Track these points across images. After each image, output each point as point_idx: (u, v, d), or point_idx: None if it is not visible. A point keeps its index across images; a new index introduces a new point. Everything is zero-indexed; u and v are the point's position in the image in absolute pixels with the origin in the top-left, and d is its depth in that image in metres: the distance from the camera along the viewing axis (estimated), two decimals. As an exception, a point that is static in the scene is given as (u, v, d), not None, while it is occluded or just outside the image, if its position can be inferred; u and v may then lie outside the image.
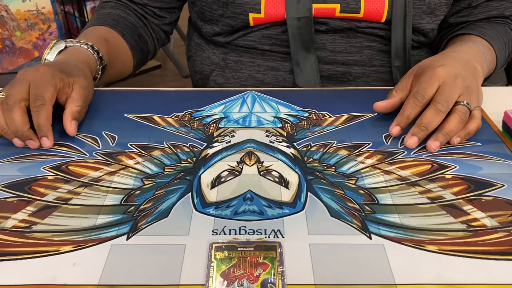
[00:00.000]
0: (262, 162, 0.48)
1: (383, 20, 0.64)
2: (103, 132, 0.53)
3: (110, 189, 0.44)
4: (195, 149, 0.50)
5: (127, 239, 0.39)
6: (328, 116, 0.56)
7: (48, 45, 0.61)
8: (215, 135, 0.52)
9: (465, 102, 0.50)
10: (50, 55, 0.59)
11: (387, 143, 0.51)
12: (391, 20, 0.64)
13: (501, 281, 0.35)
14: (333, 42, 0.66)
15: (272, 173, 0.46)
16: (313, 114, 0.57)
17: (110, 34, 0.68)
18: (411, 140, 0.49)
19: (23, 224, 0.40)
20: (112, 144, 0.51)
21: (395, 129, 0.51)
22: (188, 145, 0.51)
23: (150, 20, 0.74)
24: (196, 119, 0.56)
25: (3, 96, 0.50)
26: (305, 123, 0.55)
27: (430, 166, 0.47)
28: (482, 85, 0.58)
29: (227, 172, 0.46)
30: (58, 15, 1.46)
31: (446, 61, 0.53)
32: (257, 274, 0.35)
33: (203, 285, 0.35)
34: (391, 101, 0.54)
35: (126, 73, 0.72)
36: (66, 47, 0.59)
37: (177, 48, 2.28)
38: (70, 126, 0.51)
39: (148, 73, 1.85)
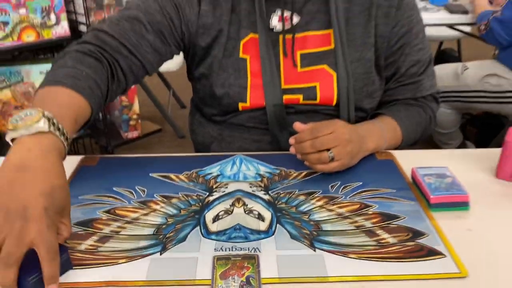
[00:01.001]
0: (247, 205, 0.71)
1: (334, 104, 0.90)
2: (136, 187, 0.76)
3: (146, 224, 0.67)
4: (200, 197, 0.73)
5: (160, 255, 0.61)
6: (293, 172, 0.80)
7: (31, 117, 0.58)
8: (214, 187, 0.76)
9: (331, 153, 0.74)
10: (25, 130, 0.58)
11: (331, 191, 0.75)
12: (340, 103, 0.90)
13: (396, 273, 0.57)
14: (300, 120, 0.86)
15: (253, 212, 0.69)
16: (282, 171, 0.80)
17: (68, 95, 0.69)
18: (291, 149, 0.78)
19: (91, 247, 0.62)
20: (143, 195, 0.74)
21: (291, 148, 0.78)
22: (195, 195, 0.74)
23: (118, 62, 0.79)
24: (200, 176, 0.79)
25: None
26: (277, 177, 0.79)
27: (358, 205, 0.71)
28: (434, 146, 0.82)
29: (223, 212, 0.69)
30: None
31: (352, 128, 0.78)
32: (243, 272, 0.57)
33: (210, 279, 0.56)
34: (303, 127, 0.77)
35: (83, 123, 0.72)
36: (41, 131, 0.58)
37: (174, 112, 2.56)
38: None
39: (149, 136, 2.10)
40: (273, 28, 0.87)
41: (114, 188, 0.75)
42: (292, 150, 0.79)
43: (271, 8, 0.87)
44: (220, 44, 0.88)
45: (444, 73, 1.89)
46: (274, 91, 0.87)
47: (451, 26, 2.32)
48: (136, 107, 1.98)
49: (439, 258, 0.60)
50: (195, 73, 0.94)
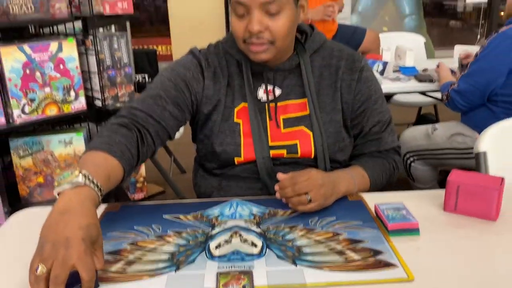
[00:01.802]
0: (242, 236, 0.88)
1: (312, 157, 1.10)
2: (152, 225, 0.93)
3: (162, 252, 0.84)
4: (205, 231, 0.91)
5: (175, 272, 0.77)
6: (280, 211, 0.98)
7: (71, 176, 0.77)
8: (215, 224, 0.93)
9: (308, 196, 0.91)
10: (65, 186, 0.76)
11: (310, 224, 0.93)
12: (317, 157, 1.10)
13: (359, 279, 0.74)
14: (284, 170, 1.07)
15: (248, 241, 0.86)
16: (271, 211, 0.99)
17: (104, 159, 0.88)
18: (276, 194, 0.95)
19: (120, 269, 0.79)
20: (159, 231, 0.91)
21: (277, 194, 0.95)
22: (201, 230, 0.91)
23: (147, 129, 1.00)
24: (204, 216, 0.97)
25: (43, 269, 0.66)
26: (267, 215, 0.97)
27: (332, 234, 0.89)
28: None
29: (224, 241, 0.86)
30: (89, 156, 1.93)
31: (324, 175, 0.97)
32: (240, 282, 0.74)
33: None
34: (284, 176, 0.96)
35: (117, 183, 0.91)
36: (81, 183, 0.77)
37: (175, 176, 2.77)
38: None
39: (154, 197, 2.28)
40: (260, 99, 1.10)
41: (135, 227, 0.93)
42: (277, 195, 0.97)
43: (257, 83, 1.11)
44: (218, 111, 1.10)
45: (418, 133, 2.12)
46: (262, 147, 1.08)
47: (423, 93, 2.60)
48: (142, 171, 2.18)
49: (393, 268, 0.77)
50: (199, 135, 1.15)
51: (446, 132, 2.03)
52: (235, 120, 1.10)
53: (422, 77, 2.31)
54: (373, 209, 0.97)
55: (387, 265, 0.78)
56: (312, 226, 0.92)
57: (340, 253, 0.82)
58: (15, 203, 1.83)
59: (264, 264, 0.79)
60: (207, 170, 1.17)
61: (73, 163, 1.88)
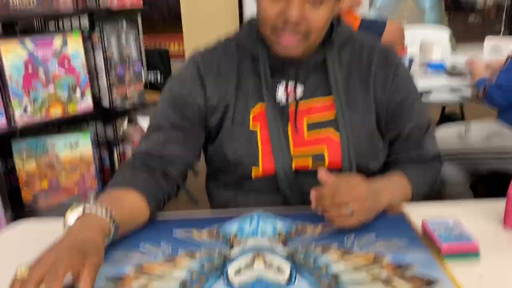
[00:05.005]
0: (266, 259, 0.74)
1: (341, 167, 0.95)
2: (161, 243, 0.80)
3: (172, 279, 0.70)
4: (222, 252, 0.77)
5: (187, 306, 0.64)
6: (309, 227, 0.84)
7: (69, 208, 0.74)
8: (234, 243, 0.80)
9: (350, 208, 0.77)
10: (70, 219, 0.73)
11: (346, 242, 0.79)
12: (343, 166, 0.94)
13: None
14: (309, 182, 0.89)
15: (273, 265, 0.72)
16: (298, 226, 0.85)
17: (124, 194, 0.84)
18: (312, 204, 0.82)
19: (121, 301, 0.66)
20: (168, 250, 0.78)
21: (312, 203, 0.82)
22: (217, 251, 0.78)
23: (166, 170, 0.92)
24: (221, 234, 0.83)
25: (26, 274, 0.60)
26: (293, 233, 0.83)
27: (373, 256, 0.74)
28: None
29: (244, 266, 0.72)
30: (96, 160, 1.81)
31: (369, 185, 0.82)
32: (267, 320, 0.60)
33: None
34: (326, 177, 0.81)
35: (143, 223, 0.85)
36: (84, 212, 0.73)
37: (187, 178, 2.64)
38: None
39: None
40: (279, 102, 0.96)
41: (141, 244, 0.80)
42: (313, 205, 0.83)
43: (276, 81, 0.96)
44: (228, 117, 0.96)
45: (448, 134, 1.96)
46: (283, 156, 0.94)
47: (451, 90, 2.43)
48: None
49: (454, 303, 0.63)
50: (209, 148, 1.01)
51: (482, 132, 1.86)
52: (251, 126, 0.95)
53: (453, 73, 2.14)
54: (419, 224, 0.83)
55: (446, 299, 0.64)
56: (348, 246, 0.78)
57: (386, 282, 0.68)
58: (18, 209, 1.71)
59: (295, 296, 0.65)
60: (220, 182, 1.04)
61: (78, 167, 1.77)
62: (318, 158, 0.95)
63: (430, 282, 0.67)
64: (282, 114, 0.95)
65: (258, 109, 0.95)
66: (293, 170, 0.94)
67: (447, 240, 0.74)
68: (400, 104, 0.97)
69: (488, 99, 1.81)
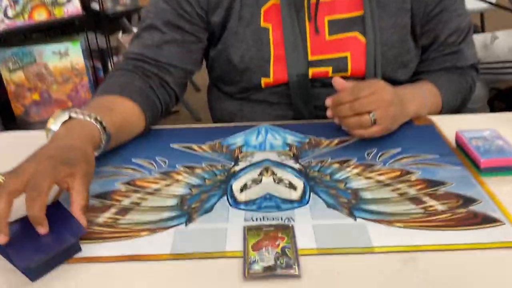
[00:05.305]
0: (276, 174, 0.65)
1: (364, 75, 0.82)
2: (156, 158, 0.70)
3: (168, 195, 0.61)
4: (226, 167, 0.67)
5: (185, 226, 0.55)
6: (324, 140, 0.74)
7: (53, 114, 0.63)
8: (239, 157, 0.70)
9: (373, 116, 0.67)
10: (54, 125, 0.62)
11: (367, 158, 0.69)
12: (366, 74, 0.81)
13: (449, 242, 0.51)
14: (327, 94, 0.77)
15: (284, 181, 0.63)
16: (312, 139, 0.74)
17: (116, 101, 0.73)
18: (328, 112, 0.72)
19: (110, 220, 0.57)
20: (164, 166, 0.68)
21: (328, 111, 0.72)
22: (220, 164, 0.68)
23: (163, 78, 0.80)
24: (224, 146, 0.73)
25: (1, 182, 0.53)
26: (307, 146, 0.73)
27: (399, 172, 0.64)
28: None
29: (251, 181, 0.63)
30: (89, 70, 1.68)
31: (394, 90, 0.71)
32: (277, 243, 0.52)
33: (241, 251, 0.51)
34: (344, 85, 0.70)
35: (137, 133, 0.76)
36: (70, 117, 0.63)
37: (189, 94, 2.51)
38: (83, 220, 0.53)
39: (166, 117, 2.05)
40: None
41: (133, 159, 0.70)
42: (329, 113, 0.72)
43: None
44: (234, 14, 0.81)
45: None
46: (297, 60, 0.80)
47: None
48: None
49: (497, 225, 0.53)
50: (211, 52, 0.87)
51: (509, 41, 1.69)
52: (262, 24, 0.81)
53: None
54: (451, 138, 0.72)
55: (487, 220, 0.54)
56: (369, 160, 0.68)
57: (416, 200, 0.59)
58: (10, 123, 1.62)
59: (309, 216, 0.56)
60: (224, 93, 0.91)
61: (70, 78, 1.64)
62: (340, 66, 0.82)
63: (467, 200, 0.58)
64: (299, 11, 0.80)
65: (271, 5, 0.80)
66: (310, 78, 0.82)
67: (486, 153, 0.63)
68: (440, 4, 0.82)
69: None
